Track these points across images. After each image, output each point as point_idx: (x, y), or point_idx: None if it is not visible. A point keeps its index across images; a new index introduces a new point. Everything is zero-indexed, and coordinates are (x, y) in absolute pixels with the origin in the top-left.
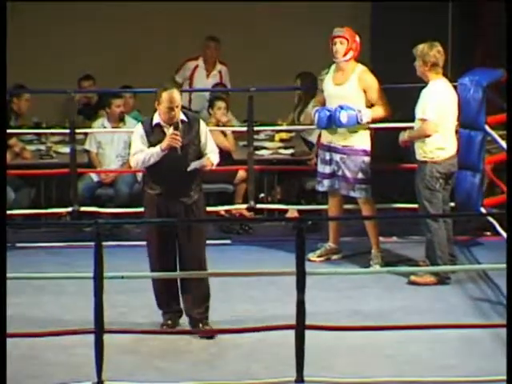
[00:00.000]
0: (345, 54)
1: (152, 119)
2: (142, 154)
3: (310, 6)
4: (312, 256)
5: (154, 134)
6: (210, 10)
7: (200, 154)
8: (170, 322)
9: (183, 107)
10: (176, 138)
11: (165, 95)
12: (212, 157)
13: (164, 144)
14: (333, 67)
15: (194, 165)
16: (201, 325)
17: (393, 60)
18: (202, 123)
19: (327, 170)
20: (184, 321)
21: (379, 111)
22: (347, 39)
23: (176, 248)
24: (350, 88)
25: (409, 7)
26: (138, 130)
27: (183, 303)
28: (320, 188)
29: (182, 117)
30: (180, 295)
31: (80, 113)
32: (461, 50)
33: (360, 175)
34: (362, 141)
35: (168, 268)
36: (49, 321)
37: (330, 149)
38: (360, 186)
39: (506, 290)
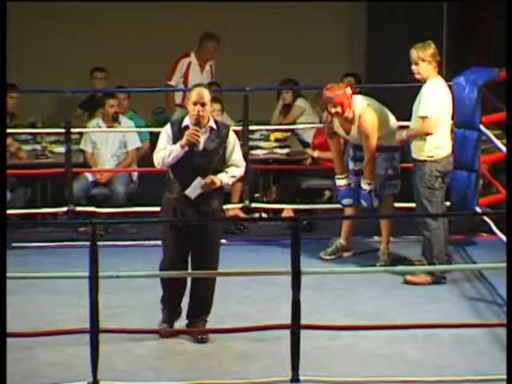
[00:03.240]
0: (343, 113)
1: (182, 121)
2: (164, 151)
3: (305, 5)
4: (324, 254)
5: (180, 136)
6: (207, 10)
7: (225, 163)
8: (165, 324)
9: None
10: (196, 134)
11: (194, 91)
12: (230, 171)
13: (183, 140)
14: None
15: (191, 191)
16: (196, 328)
17: (388, 59)
18: (231, 132)
19: (357, 166)
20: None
21: (368, 169)
22: (341, 103)
23: (188, 252)
24: (356, 134)
25: (403, 7)
26: (165, 130)
27: (187, 308)
28: (349, 183)
29: (212, 124)
30: (183, 299)
31: (81, 106)
32: (456, 50)
33: (390, 171)
34: (389, 138)
35: (176, 264)
36: (44, 320)
37: (359, 147)
38: (390, 182)
39: (506, 290)
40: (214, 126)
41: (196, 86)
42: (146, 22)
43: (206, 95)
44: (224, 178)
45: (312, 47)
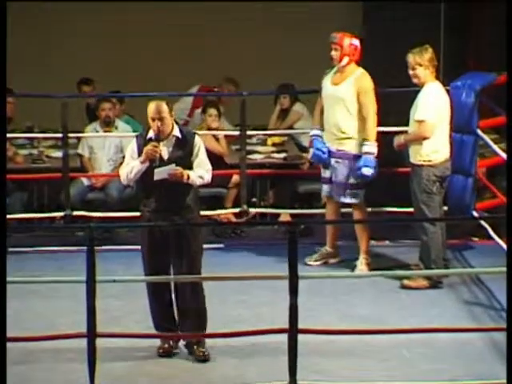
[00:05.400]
0: (340, 60)
1: (147, 133)
2: (127, 167)
3: (301, 6)
4: (309, 260)
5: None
6: (206, 13)
7: (192, 170)
8: (166, 345)
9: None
10: (153, 150)
11: (150, 105)
12: (196, 171)
13: (142, 156)
14: (335, 68)
15: (158, 172)
16: (195, 347)
17: (386, 62)
18: (196, 139)
19: (327, 174)
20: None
21: (372, 131)
22: (341, 45)
23: (169, 265)
24: (345, 88)
25: (400, 7)
26: (131, 143)
27: (180, 326)
28: (322, 193)
29: (177, 132)
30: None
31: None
32: (453, 54)
33: (351, 180)
34: (355, 146)
35: (158, 285)
36: (41, 325)
37: (329, 153)
38: (351, 192)
39: (507, 292)
40: (179, 135)
41: (153, 99)
42: (146, 25)
43: (163, 109)
44: (192, 175)
45: (309, 51)
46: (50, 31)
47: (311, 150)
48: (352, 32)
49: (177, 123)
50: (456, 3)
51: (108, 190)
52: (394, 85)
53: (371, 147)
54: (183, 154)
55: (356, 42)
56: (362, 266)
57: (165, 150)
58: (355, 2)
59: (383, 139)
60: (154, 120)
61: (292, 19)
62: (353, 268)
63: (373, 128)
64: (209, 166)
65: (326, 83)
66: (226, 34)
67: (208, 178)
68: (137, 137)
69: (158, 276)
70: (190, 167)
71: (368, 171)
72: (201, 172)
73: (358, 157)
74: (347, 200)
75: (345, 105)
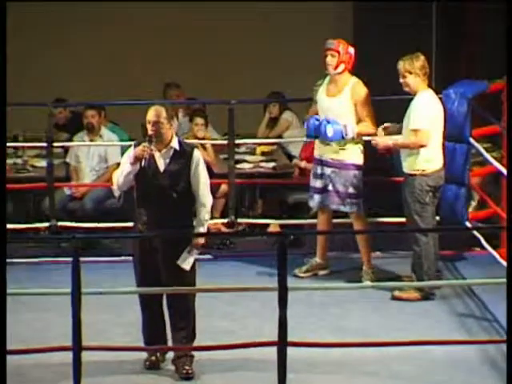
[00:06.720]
0: (336, 67)
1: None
2: (119, 171)
3: (291, 5)
4: (299, 271)
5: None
6: (195, 20)
7: (189, 185)
8: (153, 358)
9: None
10: (142, 150)
11: (149, 110)
12: (200, 218)
13: (131, 157)
14: (327, 78)
15: (183, 259)
16: (181, 363)
17: (376, 62)
18: (195, 153)
19: (318, 184)
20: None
21: (365, 127)
22: (338, 52)
23: (160, 275)
24: (342, 101)
25: (391, 8)
26: (129, 150)
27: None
28: (311, 203)
29: (175, 144)
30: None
31: (60, 128)
32: (445, 57)
33: (351, 190)
34: (353, 155)
35: (150, 300)
36: (27, 337)
37: (322, 162)
38: (351, 201)
39: (507, 298)
40: (177, 147)
41: (153, 105)
42: (146, 26)
43: (161, 114)
44: (200, 230)
45: (299, 60)
46: (49, 31)
47: (305, 124)
48: (341, 35)
49: (177, 135)
50: (448, 2)
51: (83, 201)
52: (386, 84)
53: (352, 128)
54: (180, 167)
55: (351, 50)
56: (367, 276)
57: (161, 162)
58: (345, 1)
59: (374, 148)
60: (150, 123)
61: (281, 30)
62: (348, 278)
63: (366, 129)
64: (207, 190)
65: (321, 95)
66: (214, 42)
67: (208, 207)
68: (135, 145)
69: (145, 285)
70: (187, 181)
71: (329, 131)
72: (204, 215)
73: (355, 166)
74: (347, 209)
75: (342, 117)
